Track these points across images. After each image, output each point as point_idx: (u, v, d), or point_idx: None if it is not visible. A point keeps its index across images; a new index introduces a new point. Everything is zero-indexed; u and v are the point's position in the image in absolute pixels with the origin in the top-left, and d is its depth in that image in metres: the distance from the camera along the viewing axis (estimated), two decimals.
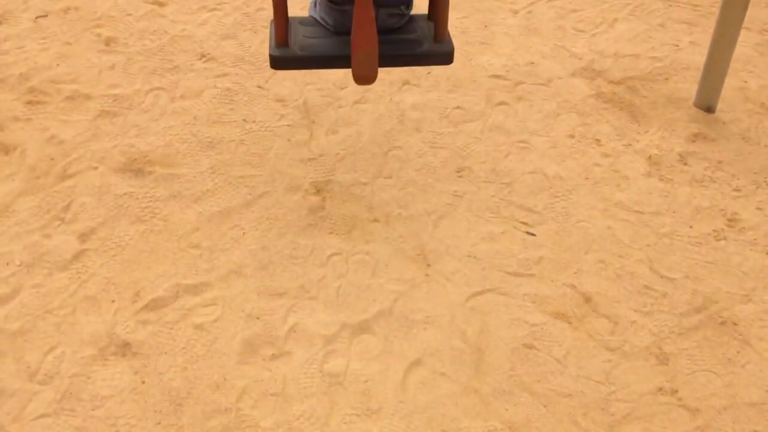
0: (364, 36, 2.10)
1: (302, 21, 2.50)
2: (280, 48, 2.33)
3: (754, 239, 3.27)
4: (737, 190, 3.51)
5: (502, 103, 3.98)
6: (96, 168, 3.53)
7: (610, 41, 4.47)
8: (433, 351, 2.81)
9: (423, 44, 2.41)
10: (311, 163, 3.61)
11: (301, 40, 2.39)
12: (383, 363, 2.77)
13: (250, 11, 4.60)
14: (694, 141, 3.79)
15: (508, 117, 3.90)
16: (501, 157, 3.67)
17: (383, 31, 2.34)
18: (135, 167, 3.55)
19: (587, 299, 3.00)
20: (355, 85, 3.77)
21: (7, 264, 3.07)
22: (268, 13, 4.63)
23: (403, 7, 2.44)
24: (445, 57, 2.40)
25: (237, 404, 2.62)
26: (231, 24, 4.49)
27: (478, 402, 2.65)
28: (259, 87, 4.05)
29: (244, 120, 3.82)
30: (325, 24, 2.43)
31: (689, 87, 4.10)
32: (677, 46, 4.45)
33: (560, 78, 4.17)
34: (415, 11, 2.73)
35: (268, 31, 4.53)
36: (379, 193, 3.48)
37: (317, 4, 2.49)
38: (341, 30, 2.37)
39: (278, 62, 2.36)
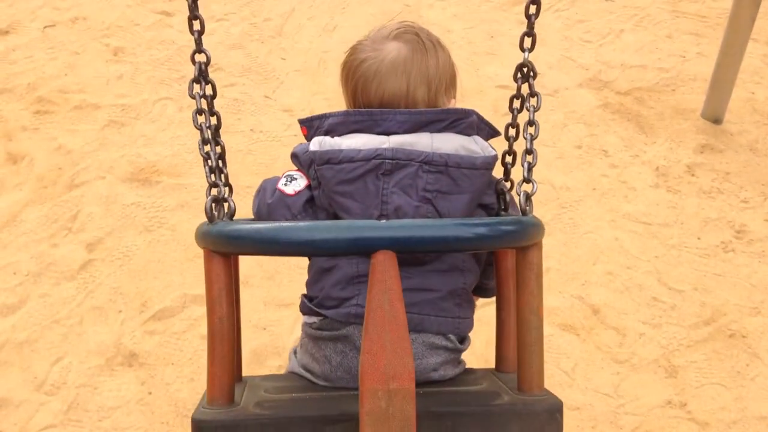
0: (389, 355, 1.04)
1: (267, 377, 1.54)
2: (216, 408, 1.23)
3: (763, 251, 3.26)
4: (745, 201, 3.50)
5: (508, 114, 3.98)
6: (103, 178, 3.53)
7: (617, 52, 4.47)
8: None
9: (499, 396, 1.33)
10: None
11: (260, 396, 1.33)
12: None
13: (258, 21, 4.61)
14: (701, 152, 3.78)
15: None
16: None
17: (422, 383, 1.31)
18: (142, 177, 3.55)
19: (595, 311, 2.99)
20: None
21: (14, 273, 3.08)
22: (276, 23, 4.62)
23: (453, 338, 1.40)
24: (547, 419, 1.30)
25: None
26: (238, 34, 4.50)
27: None
28: (267, 97, 4.06)
29: (251, 129, 3.83)
30: (309, 376, 1.42)
31: (696, 98, 4.09)
32: (684, 57, 4.44)
33: (567, 88, 4.17)
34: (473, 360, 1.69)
35: (275, 42, 4.54)
36: None
37: (296, 350, 1.54)
38: (339, 381, 1.36)
39: None
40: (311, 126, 1.41)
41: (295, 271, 3.12)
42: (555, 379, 2.74)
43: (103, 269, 3.11)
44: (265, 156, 3.69)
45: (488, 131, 1.45)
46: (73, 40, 4.43)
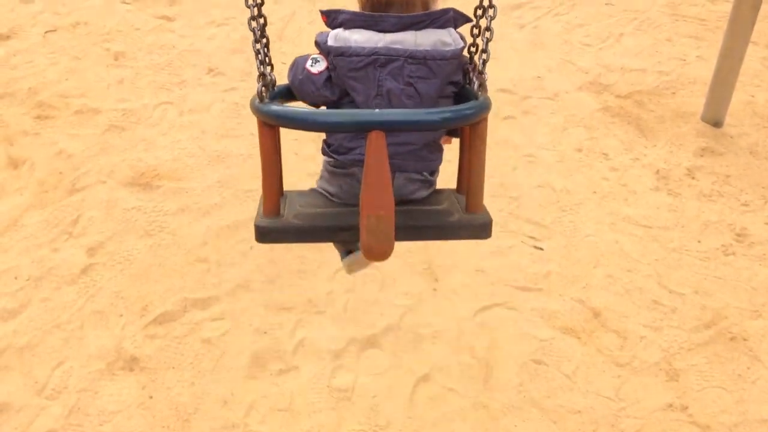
0: (377, 195, 1.65)
1: (300, 193, 2.10)
2: (269, 218, 1.88)
3: (763, 254, 3.26)
4: (745, 204, 3.50)
5: (509, 117, 3.99)
6: (104, 182, 3.54)
7: (617, 55, 4.47)
8: (441, 366, 2.80)
9: (452, 215, 1.94)
10: None
11: (296, 210, 1.95)
12: (391, 378, 2.76)
13: None
14: (701, 155, 3.78)
15: (515, 131, 3.90)
16: (508, 171, 3.66)
17: (401, 202, 1.91)
18: (143, 181, 3.55)
19: (596, 314, 2.99)
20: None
21: (15, 278, 3.08)
22: (276, 28, 4.64)
23: (426, 173, 2.02)
24: (481, 229, 1.91)
25: (244, 420, 2.61)
26: (239, 38, 4.51)
27: (486, 418, 2.63)
28: None
29: (252, 134, 3.83)
30: (328, 195, 2.03)
31: (696, 101, 4.10)
32: (684, 60, 4.45)
33: (567, 92, 4.18)
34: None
35: (275, 47, 4.54)
36: None
37: (317, 180, 2.13)
38: (347, 200, 1.97)
39: (267, 234, 1.87)
40: (329, 16, 1.87)
41: (295, 276, 3.12)
42: (556, 383, 2.73)
43: (104, 273, 3.11)
44: None
45: (463, 20, 1.85)
46: (74, 44, 4.45)
